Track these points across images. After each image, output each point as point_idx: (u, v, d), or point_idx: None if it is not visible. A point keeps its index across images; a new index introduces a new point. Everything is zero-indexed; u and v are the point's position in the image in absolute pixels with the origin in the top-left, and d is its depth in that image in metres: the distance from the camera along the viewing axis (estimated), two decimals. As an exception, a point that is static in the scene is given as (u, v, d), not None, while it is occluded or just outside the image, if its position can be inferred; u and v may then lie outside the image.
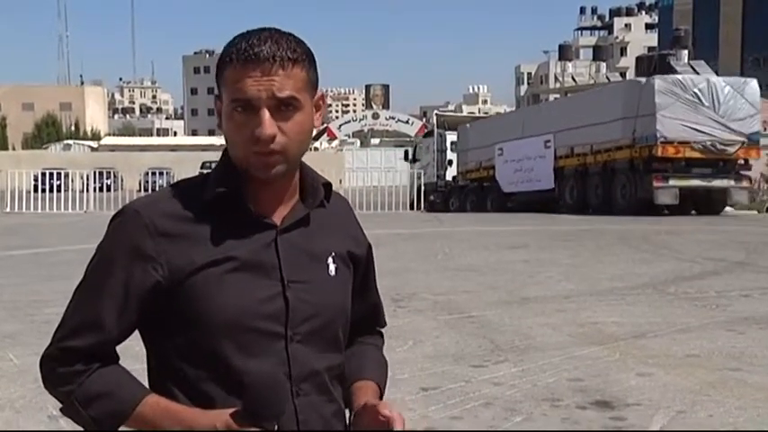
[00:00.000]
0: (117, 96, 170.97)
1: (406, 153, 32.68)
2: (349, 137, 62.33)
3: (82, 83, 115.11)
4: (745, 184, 19.04)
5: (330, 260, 1.64)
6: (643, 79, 20.34)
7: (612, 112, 19.39)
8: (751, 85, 19.70)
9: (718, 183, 18.57)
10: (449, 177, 28.82)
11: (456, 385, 6.04)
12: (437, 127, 31.31)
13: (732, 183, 18.74)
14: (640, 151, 18.91)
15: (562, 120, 21.61)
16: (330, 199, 1.68)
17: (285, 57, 1.52)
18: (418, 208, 26.49)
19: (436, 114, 35.34)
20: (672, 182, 18.31)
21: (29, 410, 5.43)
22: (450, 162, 28.98)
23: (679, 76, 20.38)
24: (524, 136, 23.02)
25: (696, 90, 18.56)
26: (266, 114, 1.51)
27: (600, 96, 21.81)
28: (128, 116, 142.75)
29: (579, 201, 21.69)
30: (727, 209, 24.36)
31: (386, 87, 68.18)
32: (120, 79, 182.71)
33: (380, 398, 1.75)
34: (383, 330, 1.91)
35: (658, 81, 18.89)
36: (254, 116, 1.51)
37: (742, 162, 19.04)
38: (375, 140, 65.22)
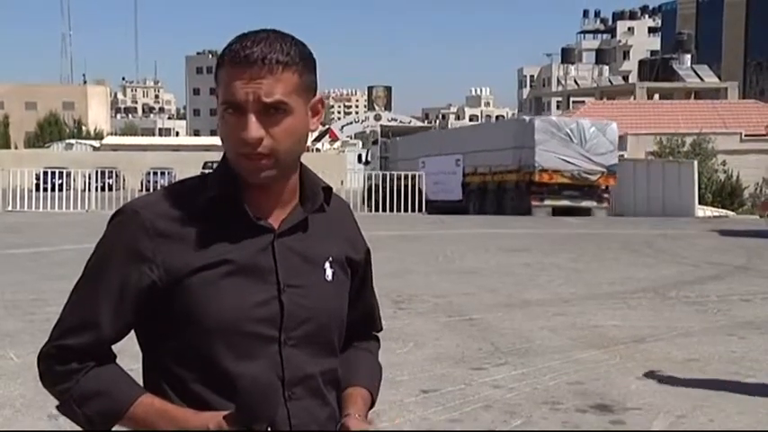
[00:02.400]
0: (120, 96, 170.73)
1: (360, 156, 37.28)
2: (351, 138, 62.26)
3: (85, 82, 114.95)
4: (605, 204, 23.36)
5: (327, 265, 1.64)
6: (527, 118, 25.38)
7: (505, 143, 23.82)
8: (612, 127, 24.27)
9: (583, 203, 22.92)
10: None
11: (456, 388, 6.04)
12: (381, 136, 36.00)
13: (594, 203, 23.11)
14: (524, 176, 23.37)
15: (469, 144, 26.07)
16: (330, 202, 1.67)
17: (274, 60, 1.51)
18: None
19: (381, 125, 40.45)
20: (546, 201, 22.89)
21: (29, 409, 5.44)
22: None
23: (554, 118, 26.32)
24: (441, 153, 27.35)
25: (568, 130, 23.01)
26: (252, 118, 1.50)
27: (497, 128, 27.81)
28: (130, 116, 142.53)
29: (480, 211, 25.27)
30: (731, 214, 24.88)
31: (388, 89, 68.10)
32: (123, 79, 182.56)
33: (372, 404, 1.74)
34: (379, 334, 1.90)
35: (538, 122, 23.68)
36: (242, 118, 1.51)
37: (603, 187, 23.54)
38: (377, 142, 65.17)
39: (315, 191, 1.64)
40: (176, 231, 1.55)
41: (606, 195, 23.38)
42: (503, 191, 24.43)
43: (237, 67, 1.50)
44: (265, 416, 1.45)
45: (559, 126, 23.15)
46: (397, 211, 25.33)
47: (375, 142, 37.20)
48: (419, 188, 25.54)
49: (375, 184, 27.42)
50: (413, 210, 25.00)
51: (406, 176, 25.36)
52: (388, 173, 27.01)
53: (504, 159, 23.57)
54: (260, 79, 1.50)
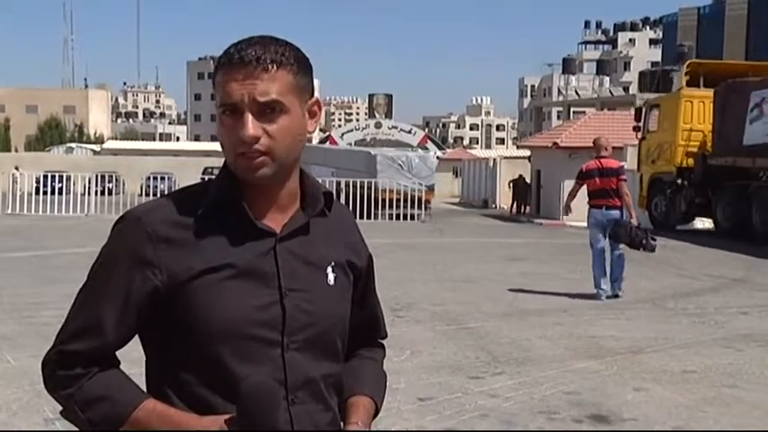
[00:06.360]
0: (120, 100, 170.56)
1: None
2: (351, 145, 62.29)
3: (86, 86, 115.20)
4: (427, 211, 31.15)
5: (329, 269, 1.65)
6: (373, 152, 33.95)
7: (360, 166, 32.29)
8: (431, 156, 34.88)
9: (411, 211, 30.66)
10: None
11: (452, 396, 6.05)
12: None
13: (420, 211, 30.74)
14: (371, 192, 30.77)
15: (340, 162, 34.59)
16: (332, 208, 1.69)
17: (269, 59, 1.54)
18: None
19: None
20: (387, 211, 30.29)
21: (25, 413, 5.43)
22: None
23: (391, 153, 34.04)
24: (325, 164, 34.90)
25: (399, 162, 31.76)
26: (248, 117, 1.53)
27: (356, 154, 35.73)
28: (131, 120, 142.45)
29: None
30: None
31: (389, 97, 68.20)
32: (125, 83, 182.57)
33: (376, 412, 1.75)
34: (384, 342, 1.91)
35: (379, 157, 31.97)
36: (239, 119, 1.54)
37: (426, 200, 31.66)
38: (377, 150, 65.21)
39: (316, 196, 1.66)
40: (178, 236, 1.56)
41: (429, 205, 31.77)
42: (360, 200, 31.47)
43: (233, 69, 1.53)
44: (267, 420, 1.46)
45: (394, 159, 32.01)
46: None
47: None
48: None
49: None
50: None
51: None
52: None
53: (359, 177, 30.80)
54: (255, 79, 1.52)
